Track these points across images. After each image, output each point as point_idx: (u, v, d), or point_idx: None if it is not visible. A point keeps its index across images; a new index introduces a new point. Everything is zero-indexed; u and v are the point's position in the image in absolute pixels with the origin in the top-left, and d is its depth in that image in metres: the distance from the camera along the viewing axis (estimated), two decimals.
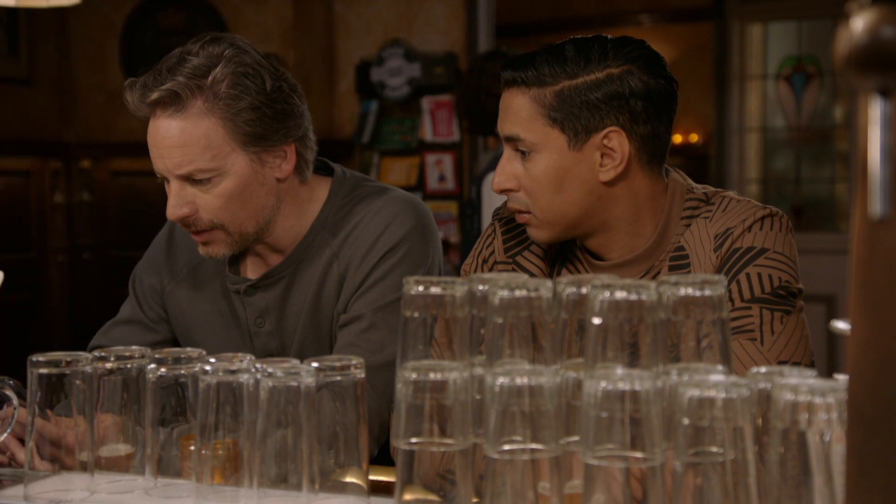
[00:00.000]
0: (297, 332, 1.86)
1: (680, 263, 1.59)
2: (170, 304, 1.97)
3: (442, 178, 5.20)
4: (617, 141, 1.56)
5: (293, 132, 1.81)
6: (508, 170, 1.61)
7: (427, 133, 5.22)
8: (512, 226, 1.74)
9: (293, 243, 1.88)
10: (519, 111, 1.58)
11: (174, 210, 1.77)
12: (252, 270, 1.93)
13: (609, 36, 1.61)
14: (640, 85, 1.56)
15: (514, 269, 1.69)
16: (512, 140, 1.60)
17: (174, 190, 1.76)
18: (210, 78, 1.74)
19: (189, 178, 1.75)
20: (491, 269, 1.72)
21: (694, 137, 7.17)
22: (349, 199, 1.88)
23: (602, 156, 1.57)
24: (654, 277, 1.59)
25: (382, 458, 1.80)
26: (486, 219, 3.49)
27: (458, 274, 4.34)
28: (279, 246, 1.88)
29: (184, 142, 1.73)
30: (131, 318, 2.00)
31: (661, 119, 1.59)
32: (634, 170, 1.59)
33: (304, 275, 1.86)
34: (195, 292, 1.95)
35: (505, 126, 1.61)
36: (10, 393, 1.53)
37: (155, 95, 1.73)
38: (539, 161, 1.58)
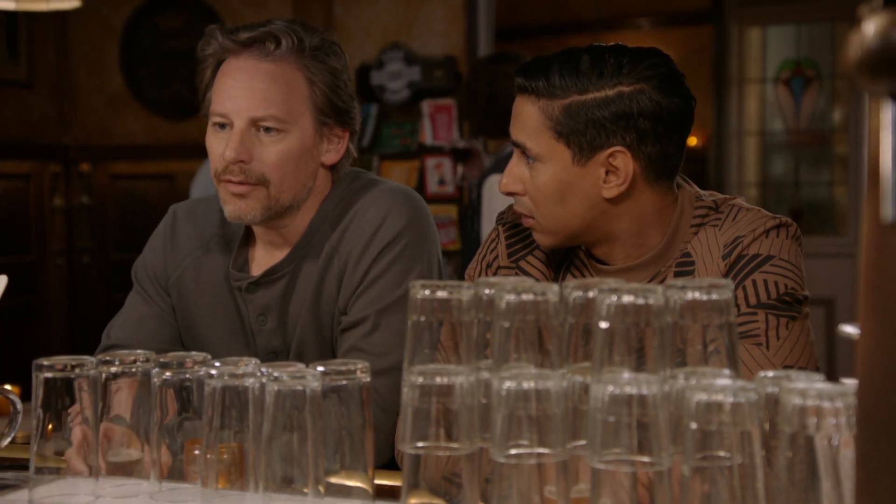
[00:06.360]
0: (296, 330, 1.85)
1: (685, 270, 1.58)
2: (174, 294, 1.94)
3: (442, 182, 5.19)
4: (622, 160, 1.55)
5: (354, 121, 1.88)
6: (516, 173, 1.61)
7: (427, 136, 5.21)
8: (516, 230, 1.73)
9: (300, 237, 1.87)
10: (527, 120, 1.58)
11: (233, 151, 1.76)
12: (256, 266, 1.91)
13: (630, 47, 1.58)
14: (651, 105, 1.53)
15: (517, 274, 1.69)
16: (519, 146, 1.60)
17: (238, 132, 1.77)
18: (306, 39, 1.81)
19: (257, 124, 1.78)
20: (495, 274, 1.71)
21: (693, 140, 7.17)
22: (347, 192, 1.89)
23: (607, 172, 1.56)
24: (660, 283, 1.58)
25: (388, 462, 1.79)
26: (486, 221, 3.48)
27: (456, 272, 4.33)
28: (291, 237, 1.87)
29: (267, 85, 1.77)
30: (143, 314, 1.94)
31: (671, 139, 1.57)
32: (640, 187, 1.58)
33: (306, 271, 1.85)
34: (199, 285, 1.92)
35: (514, 131, 1.61)
36: (13, 397, 1.53)
37: (252, 34, 1.78)
38: (543, 171, 1.58)
